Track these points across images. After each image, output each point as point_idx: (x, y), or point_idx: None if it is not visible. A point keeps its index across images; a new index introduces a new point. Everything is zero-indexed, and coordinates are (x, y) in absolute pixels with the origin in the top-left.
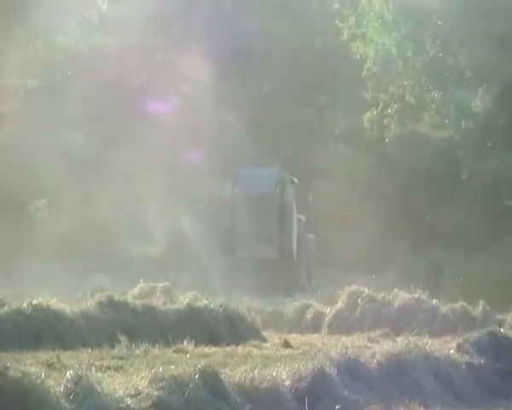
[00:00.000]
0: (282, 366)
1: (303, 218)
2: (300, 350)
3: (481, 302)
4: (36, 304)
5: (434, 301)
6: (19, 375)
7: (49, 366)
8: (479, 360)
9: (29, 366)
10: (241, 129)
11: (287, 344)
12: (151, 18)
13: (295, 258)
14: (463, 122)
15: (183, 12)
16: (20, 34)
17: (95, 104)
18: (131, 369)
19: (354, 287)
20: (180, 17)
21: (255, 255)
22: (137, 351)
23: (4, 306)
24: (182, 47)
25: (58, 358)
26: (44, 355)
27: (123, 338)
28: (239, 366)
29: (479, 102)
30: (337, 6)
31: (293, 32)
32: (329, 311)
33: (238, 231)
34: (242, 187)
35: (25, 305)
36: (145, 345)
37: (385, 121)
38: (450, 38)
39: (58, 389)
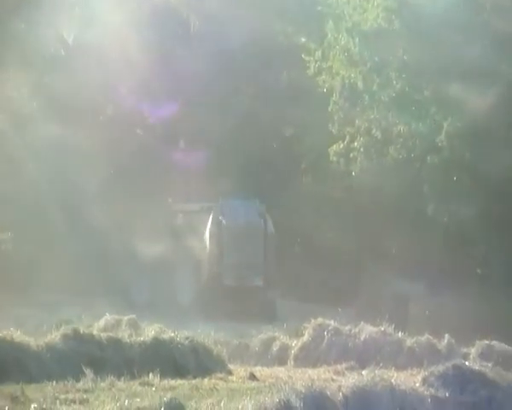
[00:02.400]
0: (248, 399)
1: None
2: (266, 383)
3: (447, 336)
4: (0, 337)
5: (400, 335)
6: None
7: (14, 399)
8: (444, 393)
9: None
10: (209, 162)
11: (253, 377)
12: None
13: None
14: (429, 157)
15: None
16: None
17: (61, 136)
18: (97, 402)
19: (320, 320)
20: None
21: (243, 283)
22: (103, 384)
23: None
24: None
25: (22, 391)
26: (8, 389)
27: (88, 371)
28: (205, 399)
29: (443, 137)
30: (303, 39)
31: (258, 64)
32: (295, 344)
33: (226, 259)
34: (228, 217)
35: None
36: (110, 378)
37: (351, 154)
38: (415, 73)
39: None
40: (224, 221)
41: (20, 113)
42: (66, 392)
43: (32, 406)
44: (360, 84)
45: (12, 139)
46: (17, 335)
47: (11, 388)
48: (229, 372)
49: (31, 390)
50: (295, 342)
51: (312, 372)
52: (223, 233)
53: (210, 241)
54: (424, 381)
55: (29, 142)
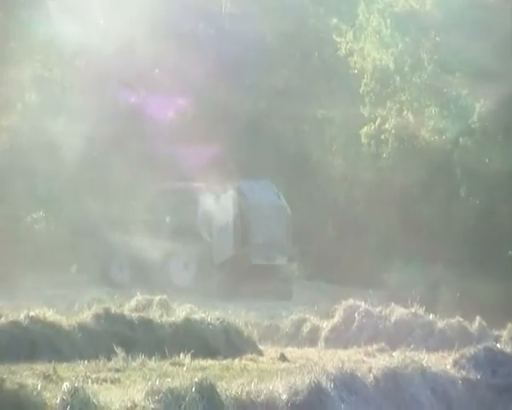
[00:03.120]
0: (279, 379)
1: None
2: (297, 364)
3: (478, 318)
4: (32, 316)
5: (431, 317)
6: (15, 387)
7: (46, 377)
8: (475, 376)
9: (25, 377)
10: (238, 141)
11: (283, 358)
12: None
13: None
14: (461, 139)
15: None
16: (17, 48)
17: (92, 117)
18: (128, 381)
19: (351, 301)
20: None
21: (270, 262)
22: (134, 363)
23: (1, 317)
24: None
25: (54, 370)
26: (41, 367)
27: (119, 350)
28: (235, 380)
29: (476, 118)
30: (335, 21)
31: (290, 46)
32: (326, 325)
33: (253, 238)
34: (251, 197)
35: (21, 317)
36: (141, 358)
37: (382, 136)
38: (447, 55)
39: (54, 401)
40: (249, 201)
41: (52, 93)
42: (98, 371)
43: (64, 384)
44: (391, 66)
45: (45, 120)
46: (49, 314)
47: (43, 366)
48: (260, 353)
49: (62, 369)
50: (326, 323)
51: (343, 354)
52: (249, 213)
53: (234, 221)
54: (455, 363)
55: (62, 122)
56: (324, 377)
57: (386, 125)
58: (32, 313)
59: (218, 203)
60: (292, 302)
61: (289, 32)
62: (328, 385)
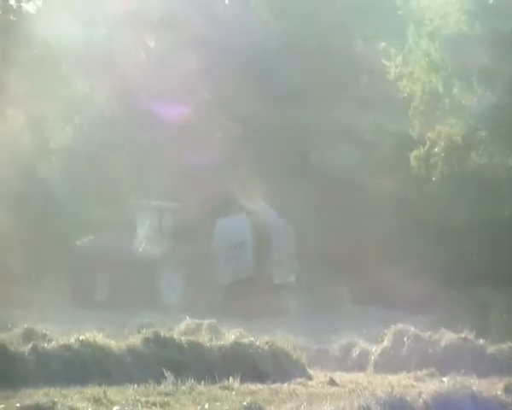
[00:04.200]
0: (328, 404)
1: None
2: (346, 388)
3: None
4: (83, 340)
5: (481, 341)
6: None
7: (96, 401)
8: None
9: (76, 401)
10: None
11: (332, 382)
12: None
13: None
14: (511, 162)
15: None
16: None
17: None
18: (177, 405)
19: (400, 326)
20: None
21: (286, 281)
22: (183, 387)
23: (52, 341)
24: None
25: (105, 393)
26: (91, 391)
27: (169, 374)
28: (284, 404)
29: None
30: (383, 44)
31: (339, 69)
32: (375, 349)
33: (271, 258)
34: (271, 220)
35: (72, 340)
36: (191, 381)
37: (432, 160)
38: (497, 78)
39: None
40: (270, 223)
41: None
42: (148, 395)
43: (114, 408)
44: (441, 89)
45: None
46: (99, 337)
47: (93, 390)
48: (309, 377)
49: (113, 393)
50: (375, 347)
51: (392, 378)
52: (270, 235)
53: (256, 242)
54: (507, 389)
55: (111, 146)
56: (374, 402)
57: (436, 149)
58: (82, 337)
59: (234, 224)
60: (341, 326)
61: (338, 56)
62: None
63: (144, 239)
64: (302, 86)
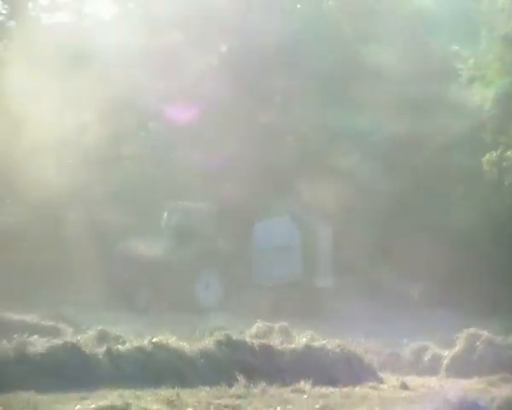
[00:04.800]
0: (400, 408)
1: None
2: (418, 393)
3: None
4: (156, 342)
5: None
6: None
7: (169, 403)
8: None
9: (150, 403)
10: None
11: (404, 386)
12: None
13: None
14: None
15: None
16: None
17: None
18: (249, 408)
19: (472, 330)
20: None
21: (327, 285)
22: (255, 390)
23: (125, 343)
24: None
25: (178, 396)
26: (164, 393)
27: (241, 377)
28: (356, 408)
29: None
30: (456, 47)
31: (409, 72)
32: (447, 353)
33: (319, 264)
34: (316, 225)
35: (145, 343)
36: (262, 384)
37: (504, 164)
38: None
39: None
40: (317, 229)
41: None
42: (220, 397)
43: None
44: None
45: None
46: (172, 340)
47: (167, 392)
48: (381, 381)
49: (185, 395)
50: (447, 351)
51: (465, 383)
52: (316, 240)
53: (304, 248)
54: None
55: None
56: (446, 406)
57: (509, 153)
58: (155, 339)
59: (277, 226)
60: (413, 330)
61: (408, 58)
62: None
63: (180, 241)
64: (373, 86)
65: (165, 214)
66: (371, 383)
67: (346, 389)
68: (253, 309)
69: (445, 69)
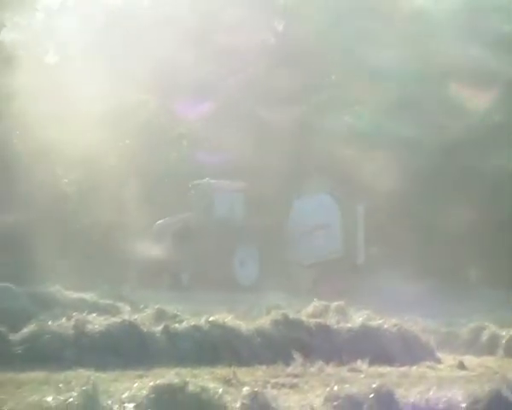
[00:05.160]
0: (458, 388)
1: None
2: (476, 372)
3: None
4: (212, 321)
5: None
6: (198, 390)
7: (226, 382)
8: None
9: (207, 381)
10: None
11: (462, 366)
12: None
13: None
14: None
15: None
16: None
17: None
18: (306, 387)
19: None
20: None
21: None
22: (312, 369)
23: (182, 322)
24: None
25: (234, 374)
26: (221, 371)
27: (297, 356)
28: (414, 387)
29: None
30: None
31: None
32: (505, 333)
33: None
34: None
35: (202, 321)
36: (319, 363)
37: None
38: None
39: (235, 405)
40: (359, 210)
41: None
42: (277, 376)
43: (244, 389)
44: None
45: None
46: (228, 319)
47: (223, 370)
48: (438, 361)
49: (242, 374)
50: (505, 331)
51: None
52: (357, 219)
53: (338, 223)
54: None
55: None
56: (505, 386)
57: None
58: (211, 318)
59: (316, 204)
60: (470, 309)
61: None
62: (508, 394)
63: (220, 220)
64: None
65: (202, 193)
66: (428, 363)
67: (402, 369)
68: (294, 287)
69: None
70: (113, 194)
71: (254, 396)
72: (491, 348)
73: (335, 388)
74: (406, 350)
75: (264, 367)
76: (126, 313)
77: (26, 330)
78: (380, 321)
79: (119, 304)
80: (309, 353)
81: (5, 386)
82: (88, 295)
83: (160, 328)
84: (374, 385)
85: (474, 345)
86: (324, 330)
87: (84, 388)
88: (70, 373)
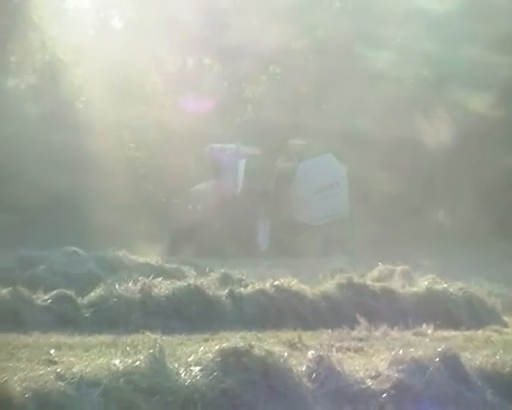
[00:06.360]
0: None
1: None
2: None
3: None
4: (278, 285)
5: None
6: (263, 353)
7: (291, 345)
8: None
9: (272, 345)
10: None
11: None
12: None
13: None
14: None
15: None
16: None
17: None
18: (371, 350)
19: None
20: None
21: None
22: (377, 333)
23: (248, 286)
24: None
25: (299, 338)
26: (286, 335)
27: (362, 320)
28: (479, 351)
29: None
30: None
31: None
32: None
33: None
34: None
35: (267, 286)
36: (384, 327)
37: None
38: None
39: (300, 369)
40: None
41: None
42: (342, 340)
43: (310, 352)
44: None
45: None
46: (294, 283)
47: (288, 334)
48: (504, 325)
49: (307, 337)
50: None
51: None
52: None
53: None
54: None
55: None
56: None
57: None
58: (277, 282)
59: (322, 165)
60: None
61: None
62: None
63: (235, 185)
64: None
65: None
66: (494, 327)
67: (468, 333)
68: (304, 250)
69: None
70: (178, 160)
71: (319, 360)
72: None
73: (400, 352)
74: (472, 314)
75: (329, 331)
76: (192, 278)
77: (93, 294)
78: (445, 285)
79: (185, 268)
80: (374, 317)
81: (74, 349)
82: (154, 260)
83: (225, 292)
84: (439, 349)
85: None
86: (389, 293)
87: (150, 351)
88: (137, 337)
